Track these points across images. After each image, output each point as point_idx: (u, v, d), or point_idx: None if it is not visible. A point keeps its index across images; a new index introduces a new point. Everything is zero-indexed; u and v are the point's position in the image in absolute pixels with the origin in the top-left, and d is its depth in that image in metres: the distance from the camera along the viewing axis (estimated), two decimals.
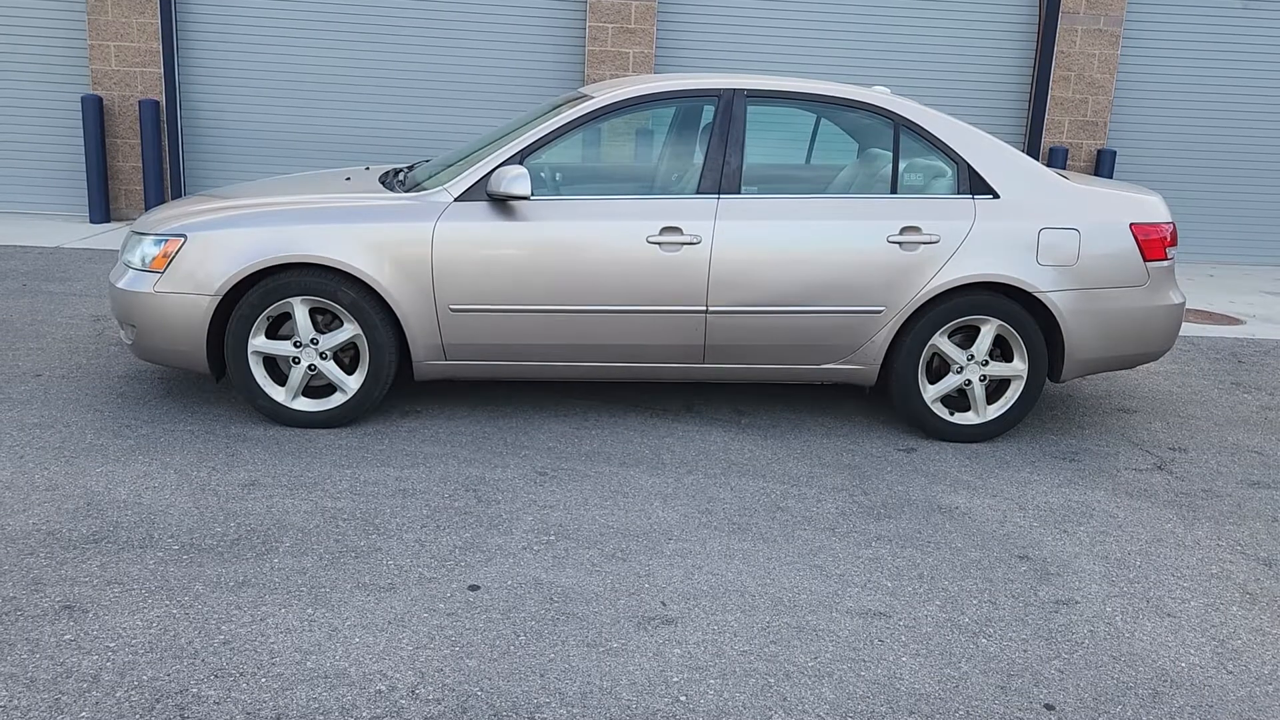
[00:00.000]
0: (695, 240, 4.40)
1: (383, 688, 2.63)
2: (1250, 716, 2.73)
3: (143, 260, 4.36)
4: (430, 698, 2.60)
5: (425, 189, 4.47)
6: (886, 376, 4.67)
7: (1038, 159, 9.85)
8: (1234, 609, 3.31)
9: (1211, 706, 2.76)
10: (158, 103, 9.21)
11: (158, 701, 2.53)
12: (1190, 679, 2.89)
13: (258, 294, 4.28)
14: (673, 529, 3.65)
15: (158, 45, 9.24)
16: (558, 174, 5.18)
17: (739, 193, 4.50)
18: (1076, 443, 4.82)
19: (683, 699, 2.66)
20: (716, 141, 4.53)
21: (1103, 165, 9.70)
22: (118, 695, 2.54)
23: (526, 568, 3.31)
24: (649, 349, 4.50)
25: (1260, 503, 4.22)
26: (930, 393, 4.63)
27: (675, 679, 2.74)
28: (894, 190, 4.58)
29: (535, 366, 4.53)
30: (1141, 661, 2.96)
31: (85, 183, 9.52)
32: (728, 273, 4.41)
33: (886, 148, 4.69)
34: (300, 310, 4.33)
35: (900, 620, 3.11)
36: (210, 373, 4.40)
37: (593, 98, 4.56)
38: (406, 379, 5.24)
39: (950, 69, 9.85)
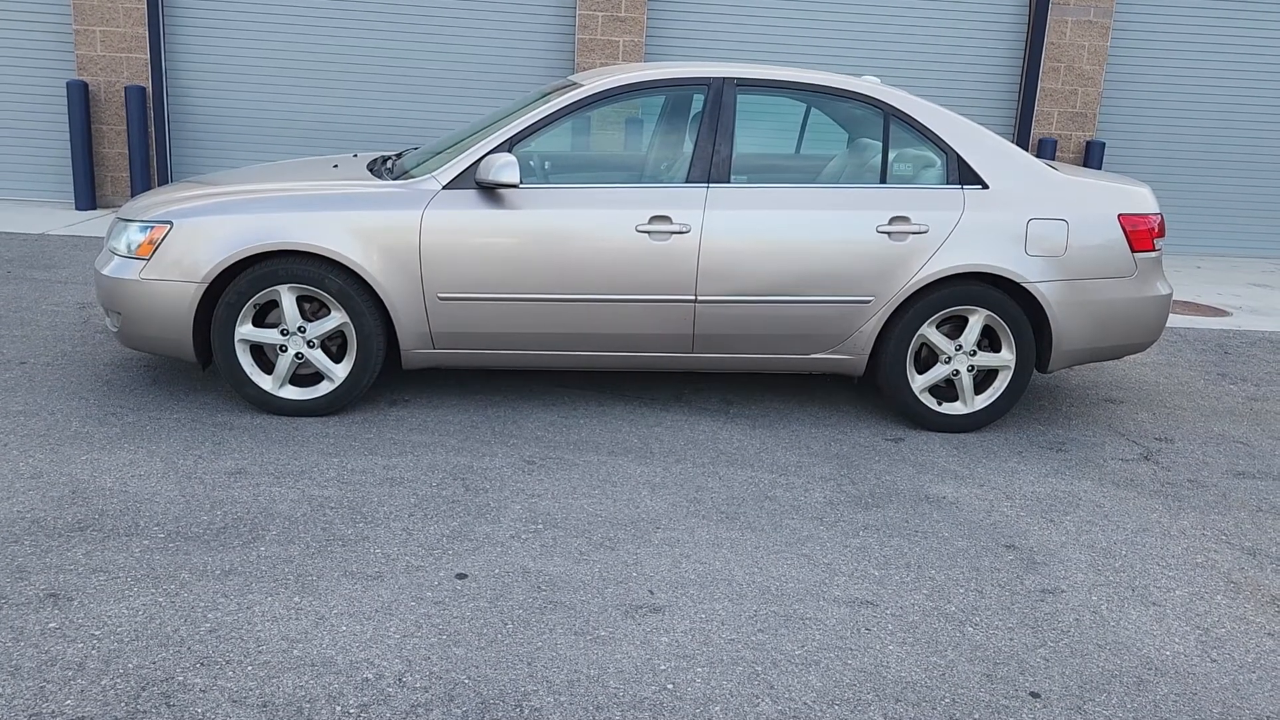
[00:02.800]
0: (684, 229, 4.39)
1: (370, 676, 2.63)
2: (1233, 704, 2.74)
3: (128, 247, 4.33)
4: (417, 686, 2.60)
5: (413, 177, 4.45)
6: (875, 366, 4.68)
7: (1027, 150, 9.86)
8: (1218, 598, 3.33)
9: (1195, 694, 2.78)
10: (144, 89, 9.14)
11: (143, 690, 2.52)
12: (1174, 667, 2.90)
13: (244, 281, 4.26)
14: (661, 518, 3.65)
15: (144, 30, 9.17)
16: (547, 162, 5.16)
17: (728, 182, 4.49)
18: (1063, 433, 4.83)
19: (670, 687, 2.66)
20: (706, 130, 4.52)
21: (1092, 156, 9.72)
22: (103, 683, 2.53)
23: (514, 556, 3.31)
24: (638, 338, 4.49)
25: (1245, 493, 4.24)
26: (918, 383, 4.63)
27: (663, 667, 2.75)
28: (883, 180, 4.58)
29: (523, 355, 4.52)
30: (1126, 650, 2.98)
31: (71, 169, 9.46)
32: (717, 262, 4.41)
33: (876, 137, 4.69)
34: (287, 298, 4.31)
35: (887, 609, 3.12)
36: (197, 360, 4.38)
37: (582, 86, 4.54)
38: (394, 367, 5.23)
39: (940, 59, 9.85)
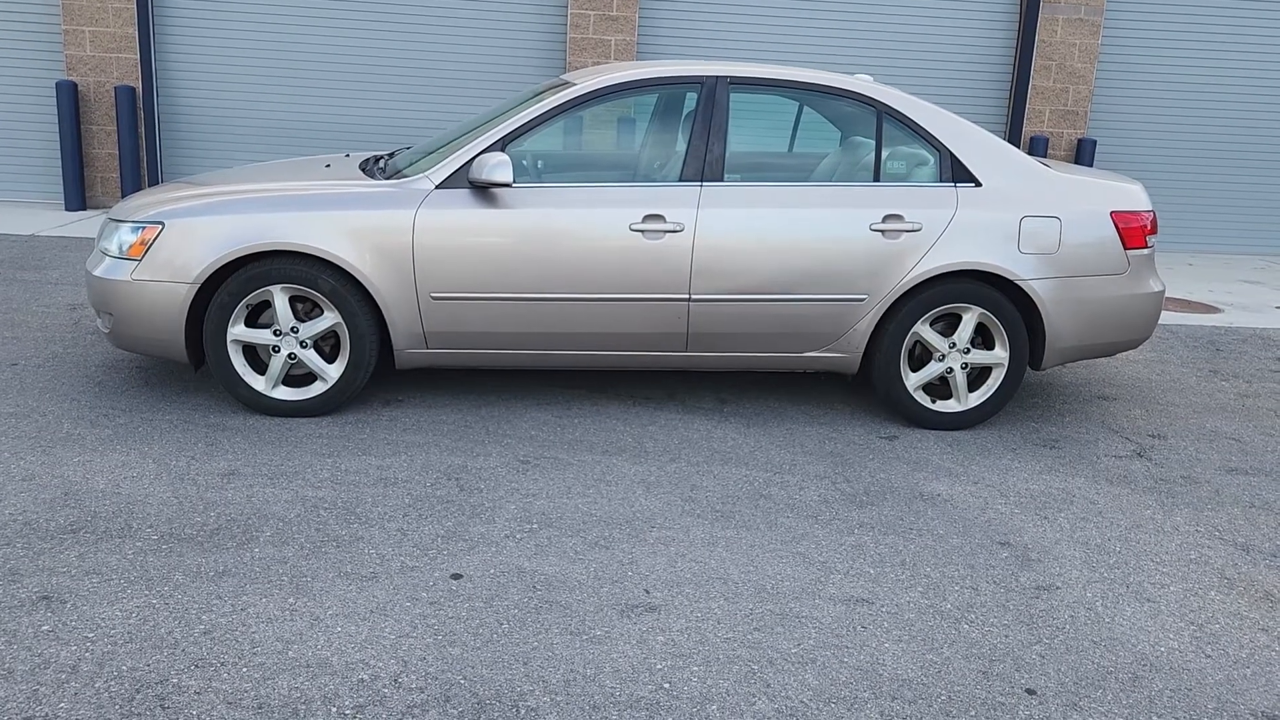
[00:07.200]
0: (678, 228, 4.38)
1: (365, 677, 2.62)
2: (1228, 700, 2.75)
3: (120, 248, 4.31)
4: (413, 686, 2.59)
5: (406, 176, 4.44)
6: (869, 364, 4.68)
7: (1019, 148, 9.88)
8: (1212, 594, 3.34)
9: (1190, 690, 2.79)
10: (134, 89, 9.11)
11: (137, 692, 2.51)
12: (1169, 663, 2.91)
13: (237, 282, 4.24)
14: (656, 517, 3.65)
15: (133, 30, 9.13)
16: (540, 161, 5.15)
17: (722, 180, 4.49)
18: (1057, 430, 4.84)
19: (666, 686, 2.66)
20: (699, 129, 4.51)
21: (1083, 154, 9.74)
22: (97, 686, 2.52)
23: (509, 556, 3.30)
24: (631, 337, 4.49)
25: (1238, 489, 4.25)
26: (912, 380, 4.64)
27: (659, 666, 2.74)
28: (876, 178, 4.58)
29: (517, 355, 4.51)
30: (1121, 646, 2.98)
31: (60, 170, 9.41)
32: (710, 260, 4.41)
33: (869, 136, 4.69)
34: (280, 298, 4.30)
35: (883, 607, 3.12)
36: (189, 361, 4.36)
37: (575, 85, 4.54)
38: (388, 367, 5.22)
39: (932, 57, 9.86)
